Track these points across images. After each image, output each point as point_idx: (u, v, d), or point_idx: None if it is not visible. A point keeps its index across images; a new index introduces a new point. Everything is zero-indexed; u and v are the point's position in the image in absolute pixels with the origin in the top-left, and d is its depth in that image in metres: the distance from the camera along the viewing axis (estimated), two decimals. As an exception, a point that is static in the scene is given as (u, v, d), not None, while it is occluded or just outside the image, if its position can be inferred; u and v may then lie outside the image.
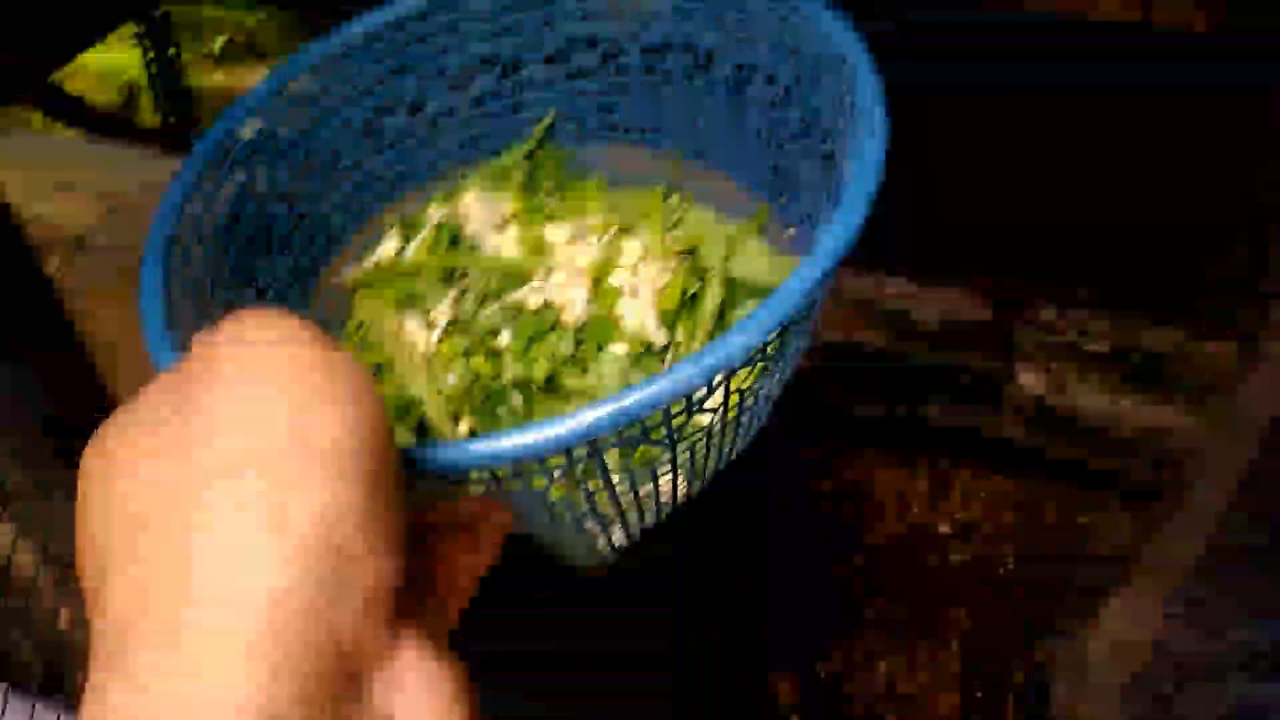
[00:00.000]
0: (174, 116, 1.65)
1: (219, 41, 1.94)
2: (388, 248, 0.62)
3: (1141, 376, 1.49)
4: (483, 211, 0.61)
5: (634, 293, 0.56)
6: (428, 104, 0.60)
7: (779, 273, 0.54)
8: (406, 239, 0.62)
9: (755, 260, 0.57)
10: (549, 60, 0.60)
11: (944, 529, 1.68)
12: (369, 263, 0.61)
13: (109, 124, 1.02)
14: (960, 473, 1.78)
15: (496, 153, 0.64)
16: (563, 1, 0.58)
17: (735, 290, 0.56)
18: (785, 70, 0.52)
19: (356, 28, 0.56)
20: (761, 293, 0.54)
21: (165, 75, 1.59)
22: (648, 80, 0.60)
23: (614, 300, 0.56)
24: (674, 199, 0.62)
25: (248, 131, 0.52)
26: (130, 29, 1.59)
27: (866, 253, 0.45)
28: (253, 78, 1.83)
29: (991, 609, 1.48)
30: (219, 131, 0.51)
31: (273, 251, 0.55)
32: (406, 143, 0.61)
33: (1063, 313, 1.54)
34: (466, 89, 0.61)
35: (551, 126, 0.63)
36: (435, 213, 0.62)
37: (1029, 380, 1.53)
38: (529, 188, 0.63)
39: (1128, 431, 1.52)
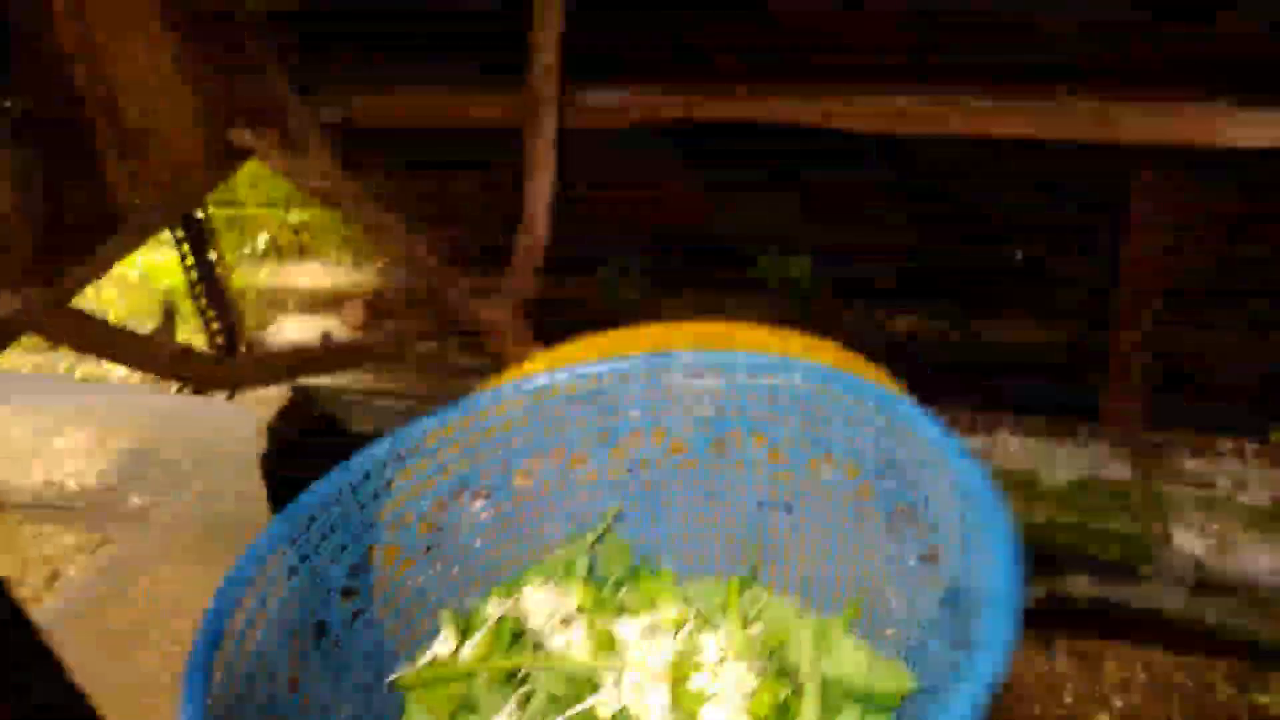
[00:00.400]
0: (216, 320, 1.54)
1: (262, 239, 1.83)
2: (443, 645, 0.60)
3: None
4: (546, 606, 0.59)
5: (719, 698, 0.53)
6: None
7: (881, 676, 0.52)
8: (463, 635, 0.60)
9: (850, 660, 0.53)
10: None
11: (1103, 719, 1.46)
12: (422, 661, 0.60)
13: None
14: (1110, 651, 1.55)
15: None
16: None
17: (829, 691, 0.53)
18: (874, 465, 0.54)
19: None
20: (861, 697, 0.52)
21: (206, 277, 1.48)
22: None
23: (697, 707, 0.53)
24: (753, 589, 0.62)
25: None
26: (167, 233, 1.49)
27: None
28: (298, 276, 1.70)
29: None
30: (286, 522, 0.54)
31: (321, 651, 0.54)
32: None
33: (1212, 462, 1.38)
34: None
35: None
36: (495, 608, 0.60)
37: (1186, 541, 1.32)
38: (593, 580, 0.62)
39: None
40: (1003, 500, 0.45)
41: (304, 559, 0.53)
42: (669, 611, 0.57)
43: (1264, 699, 1.44)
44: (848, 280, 1.58)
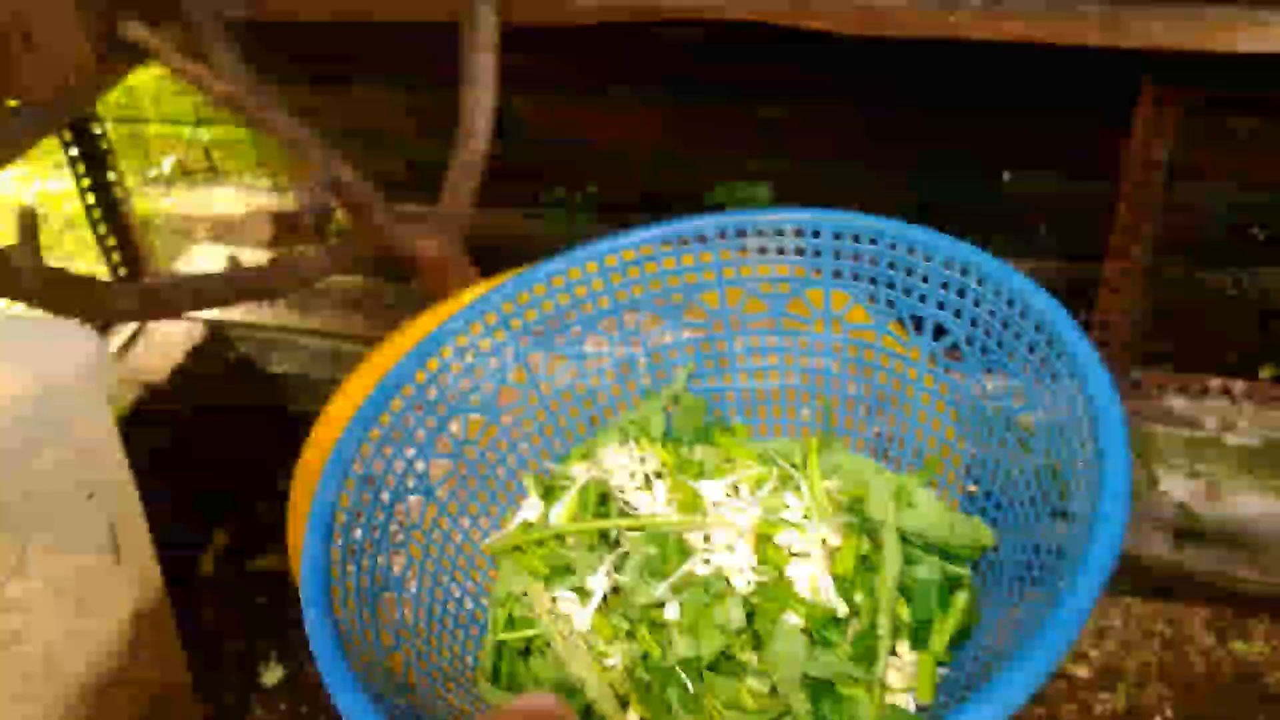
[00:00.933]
0: (117, 251, 1.37)
1: (168, 162, 1.71)
2: (530, 510, 0.61)
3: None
4: (626, 466, 0.60)
5: (804, 554, 0.54)
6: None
7: (958, 531, 0.54)
8: (549, 500, 0.60)
9: (928, 514, 0.55)
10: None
11: (1080, 672, 1.39)
12: (511, 526, 0.61)
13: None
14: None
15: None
16: None
17: (907, 545, 0.55)
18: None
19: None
20: (940, 550, 0.54)
21: (105, 202, 1.31)
22: None
23: (783, 563, 0.54)
24: (830, 446, 0.63)
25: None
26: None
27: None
28: (210, 202, 1.57)
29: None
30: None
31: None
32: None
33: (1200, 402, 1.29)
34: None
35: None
36: (579, 471, 0.61)
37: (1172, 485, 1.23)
38: (669, 440, 0.63)
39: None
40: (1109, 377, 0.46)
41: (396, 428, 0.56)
42: (749, 470, 0.59)
43: (1243, 647, 1.38)
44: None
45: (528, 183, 1.58)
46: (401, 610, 0.52)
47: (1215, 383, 1.29)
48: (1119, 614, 1.42)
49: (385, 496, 0.54)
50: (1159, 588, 1.36)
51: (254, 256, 1.53)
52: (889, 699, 0.50)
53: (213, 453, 1.39)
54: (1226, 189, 1.33)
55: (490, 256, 1.18)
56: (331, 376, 1.44)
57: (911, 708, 0.50)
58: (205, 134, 1.71)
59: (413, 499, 0.56)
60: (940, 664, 0.51)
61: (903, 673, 0.51)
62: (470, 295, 0.83)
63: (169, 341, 1.38)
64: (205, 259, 1.56)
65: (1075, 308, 1.68)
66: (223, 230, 1.67)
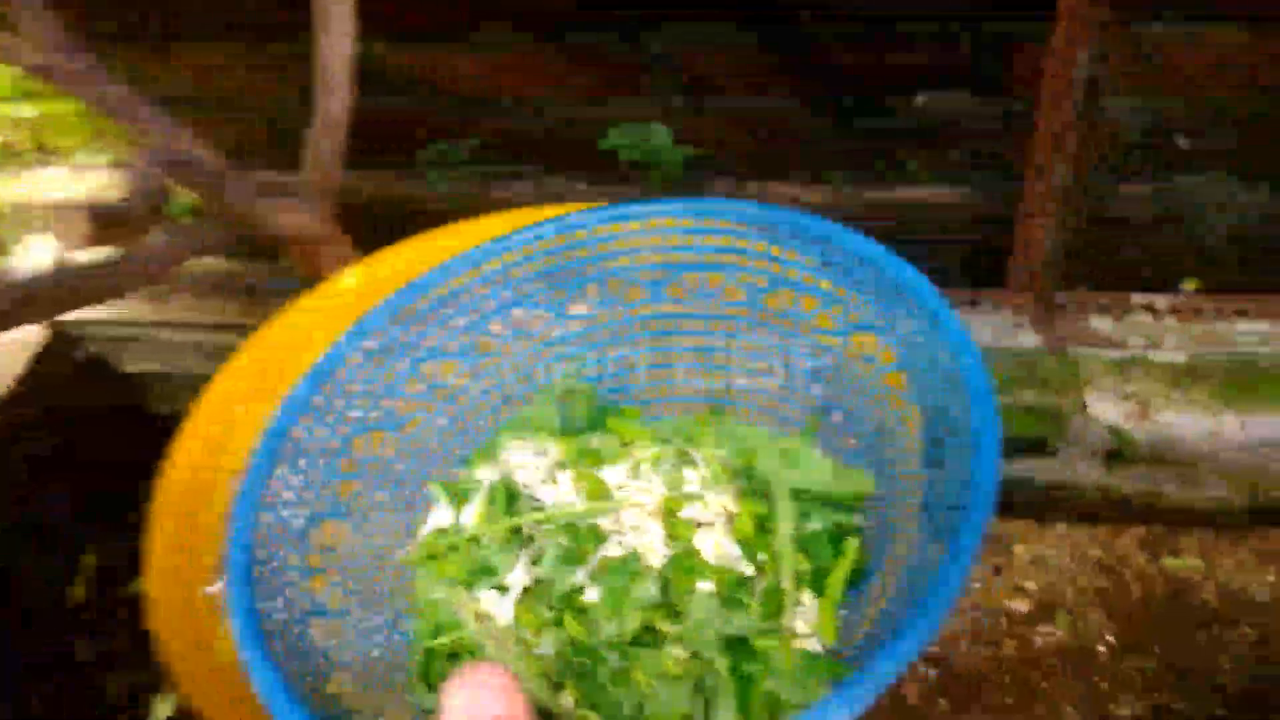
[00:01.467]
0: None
1: None
2: (440, 516, 0.63)
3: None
4: (529, 462, 0.64)
5: (708, 524, 0.59)
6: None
7: (846, 483, 0.60)
8: (458, 505, 0.63)
9: (817, 470, 0.61)
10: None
11: (1019, 606, 1.34)
12: (423, 536, 0.63)
13: None
14: (1018, 531, 1.45)
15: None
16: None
17: (799, 501, 0.61)
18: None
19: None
20: (830, 503, 0.61)
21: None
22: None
23: (689, 535, 0.59)
24: (719, 418, 0.68)
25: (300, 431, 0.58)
26: None
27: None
28: (44, 186, 1.39)
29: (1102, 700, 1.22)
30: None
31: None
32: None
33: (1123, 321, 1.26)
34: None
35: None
36: (485, 473, 0.65)
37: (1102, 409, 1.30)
38: (565, 430, 0.67)
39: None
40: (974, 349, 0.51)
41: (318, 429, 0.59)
42: (646, 451, 0.63)
43: (1175, 563, 1.36)
44: (714, 157, 1.48)
45: (402, 140, 1.44)
46: (331, 633, 0.55)
47: (1138, 299, 1.24)
48: (1054, 541, 1.40)
49: (299, 524, 0.57)
50: (1091, 513, 1.33)
51: (90, 248, 1.36)
52: (798, 645, 0.57)
53: (69, 468, 1.25)
54: (1134, 99, 1.27)
55: (368, 224, 1.06)
56: (195, 372, 1.37)
57: (819, 650, 0.57)
58: (29, 110, 1.57)
59: (326, 522, 0.59)
60: (840, 607, 0.58)
61: (808, 620, 0.57)
62: (342, 280, 0.86)
63: (5, 349, 1.21)
64: (47, 250, 1.39)
65: (995, 230, 1.59)
66: (55, 218, 1.48)
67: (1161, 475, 1.30)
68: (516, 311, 0.68)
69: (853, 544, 0.59)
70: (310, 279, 1.08)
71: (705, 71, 1.40)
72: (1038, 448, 1.31)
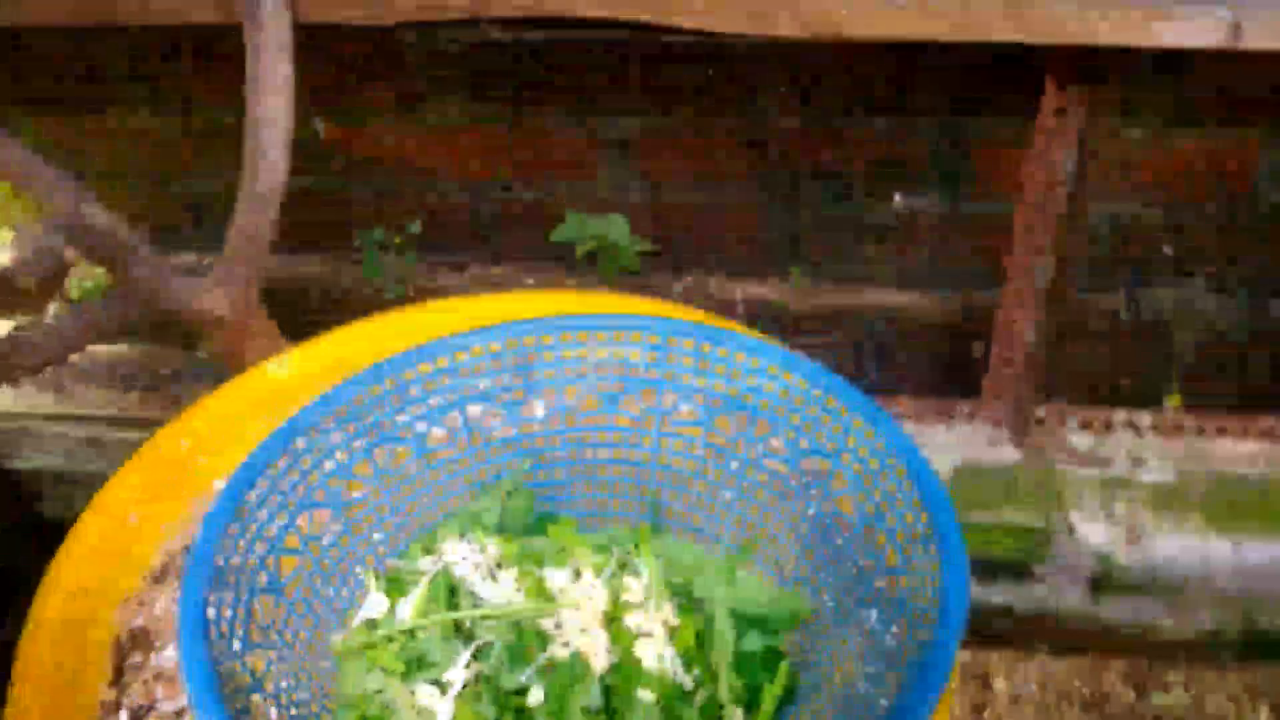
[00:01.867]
0: None
1: None
2: (374, 606, 0.63)
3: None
4: (470, 559, 0.63)
5: (649, 634, 0.61)
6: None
7: (781, 603, 0.63)
8: (394, 594, 0.63)
9: (753, 592, 0.63)
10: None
11: None
12: (355, 624, 0.63)
13: None
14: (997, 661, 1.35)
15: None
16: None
17: (735, 619, 0.63)
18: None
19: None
20: (764, 626, 0.62)
21: None
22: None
23: (631, 643, 0.60)
24: (659, 534, 0.70)
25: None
26: None
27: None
28: None
29: None
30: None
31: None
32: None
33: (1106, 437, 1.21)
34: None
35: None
36: (426, 564, 0.65)
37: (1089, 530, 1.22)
38: (501, 530, 0.69)
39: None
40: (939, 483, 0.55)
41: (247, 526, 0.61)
42: (589, 558, 0.66)
43: (1166, 700, 1.26)
44: (677, 248, 1.42)
45: (337, 223, 1.35)
46: (268, 711, 0.56)
47: (1120, 415, 1.19)
48: (1035, 674, 1.30)
49: (243, 594, 0.58)
50: (1073, 644, 1.25)
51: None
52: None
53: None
54: (1112, 203, 1.23)
55: (297, 313, 0.97)
56: (93, 470, 1.27)
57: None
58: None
59: (265, 598, 0.61)
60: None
61: (741, 735, 0.68)
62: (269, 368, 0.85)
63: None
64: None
65: (968, 336, 1.49)
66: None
67: (1150, 604, 1.24)
68: (472, 408, 0.71)
69: (784, 666, 0.63)
70: (232, 369, 0.98)
71: (664, 162, 1.35)
72: (1019, 571, 1.24)
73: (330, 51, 1.16)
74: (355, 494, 0.69)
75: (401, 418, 0.69)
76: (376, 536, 0.70)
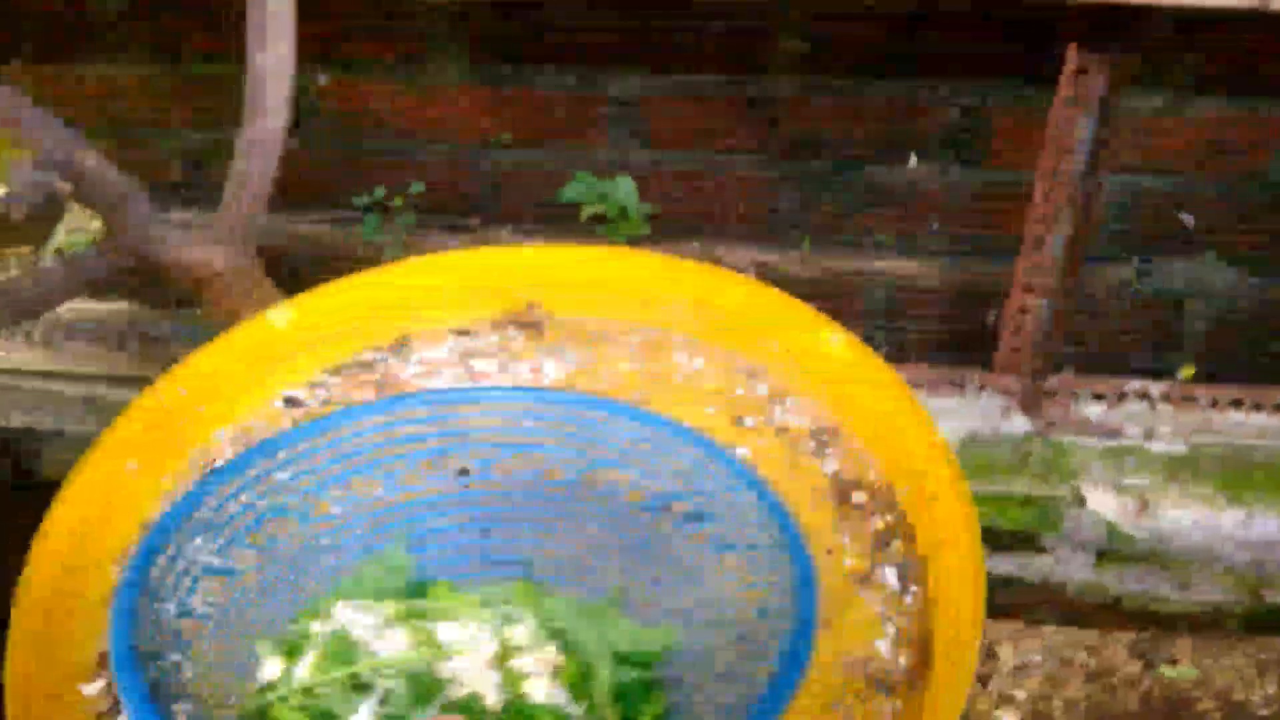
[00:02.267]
0: None
1: None
2: (270, 670, 0.65)
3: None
4: (361, 620, 0.67)
5: (537, 674, 0.66)
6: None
7: (651, 642, 0.67)
8: (291, 657, 0.66)
9: (623, 634, 0.67)
10: None
11: (1008, 718, 1.26)
12: (252, 689, 0.65)
13: None
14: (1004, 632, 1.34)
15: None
16: None
17: (615, 658, 0.69)
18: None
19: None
20: (636, 659, 0.68)
21: None
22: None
23: (521, 682, 0.65)
24: (535, 589, 0.75)
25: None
26: None
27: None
28: None
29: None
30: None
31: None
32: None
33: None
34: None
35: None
36: (318, 627, 0.68)
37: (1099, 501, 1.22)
38: (379, 595, 0.72)
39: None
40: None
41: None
42: (471, 613, 0.69)
43: (1173, 673, 1.25)
44: (683, 214, 1.41)
45: (336, 184, 1.35)
46: None
47: (1133, 385, 1.17)
48: (1038, 646, 1.30)
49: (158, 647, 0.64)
50: (1077, 614, 1.24)
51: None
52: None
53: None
54: (1125, 172, 1.22)
55: (293, 275, 0.96)
56: (85, 430, 1.28)
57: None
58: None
59: (174, 656, 0.63)
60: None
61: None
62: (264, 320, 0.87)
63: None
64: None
65: (979, 307, 1.46)
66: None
67: (1154, 574, 1.24)
68: (356, 480, 0.74)
69: (658, 695, 0.68)
70: (225, 326, 0.96)
71: (669, 121, 1.33)
72: (1027, 542, 1.25)
73: (328, 7, 1.13)
74: (248, 563, 0.70)
75: (291, 490, 0.70)
76: (266, 608, 0.71)
